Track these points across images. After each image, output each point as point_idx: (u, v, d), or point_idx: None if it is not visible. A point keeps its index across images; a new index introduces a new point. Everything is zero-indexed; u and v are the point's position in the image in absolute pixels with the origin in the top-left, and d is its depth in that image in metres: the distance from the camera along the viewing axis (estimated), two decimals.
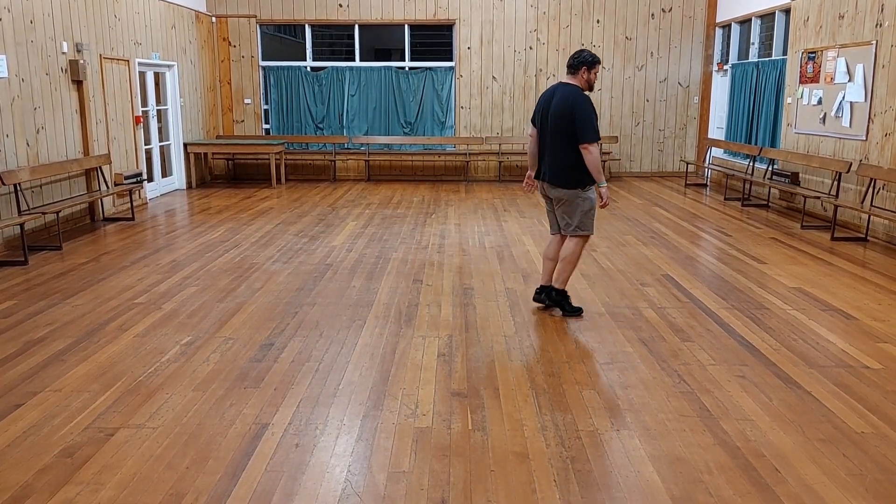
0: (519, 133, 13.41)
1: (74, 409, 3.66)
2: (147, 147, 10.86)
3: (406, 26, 13.24)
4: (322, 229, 8.51)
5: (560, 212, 5.13)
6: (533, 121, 5.21)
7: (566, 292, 5.22)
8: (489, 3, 13.02)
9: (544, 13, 13.04)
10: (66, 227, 8.34)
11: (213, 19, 13.10)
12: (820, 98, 9.18)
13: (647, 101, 13.35)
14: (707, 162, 12.72)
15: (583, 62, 4.96)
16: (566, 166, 4.95)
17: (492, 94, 13.31)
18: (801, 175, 9.69)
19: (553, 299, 5.23)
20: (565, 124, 4.87)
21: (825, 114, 9.06)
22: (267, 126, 13.68)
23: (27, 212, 7.37)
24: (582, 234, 5.10)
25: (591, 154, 4.83)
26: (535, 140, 5.20)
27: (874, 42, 8.02)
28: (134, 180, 9.80)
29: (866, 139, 8.17)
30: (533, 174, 5.32)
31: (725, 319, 5.12)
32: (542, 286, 5.35)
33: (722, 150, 12.53)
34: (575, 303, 5.33)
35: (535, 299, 5.37)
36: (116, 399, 3.78)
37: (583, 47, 5.10)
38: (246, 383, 3.99)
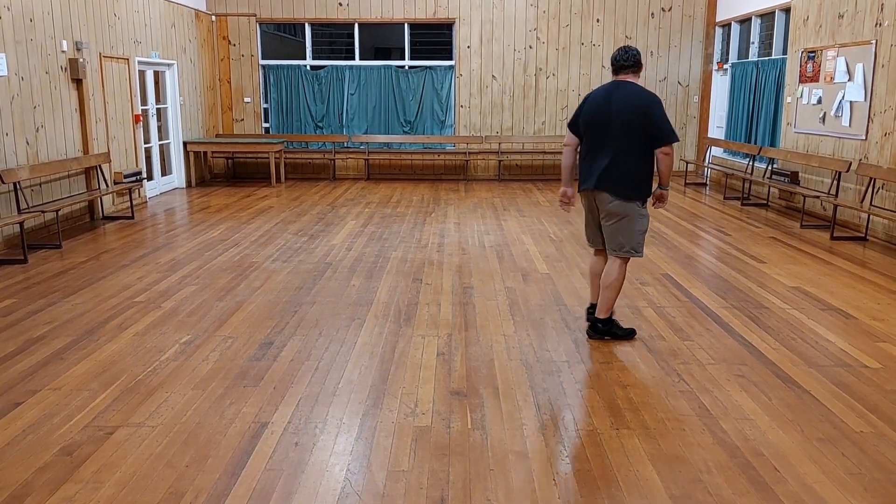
0: (518, 132, 13.41)
1: (74, 407, 3.66)
2: (147, 146, 10.86)
3: (406, 25, 13.23)
4: (322, 228, 8.51)
5: (613, 228, 4.50)
6: (572, 127, 4.61)
7: (612, 319, 4.68)
8: (489, 2, 13.00)
9: (544, 12, 13.03)
10: (65, 226, 8.33)
11: (213, 18, 13.09)
12: (820, 97, 9.18)
13: None
14: (707, 161, 12.72)
15: (640, 60, 4.48)
16: (636, 175, 4.42)
17: (491, 94, 13.30)
18: (800, 174, 9.69)
19: (601, 331, 4.64)
20: (637, 127, 4.32)
21: (825, 113, 9.06)
22: (266, 125, 13.67)
23: (27, 210, 7.37)
24: (632, 255, 4.53)
25: (669, 157, 4.37)
26: (572, 150, 4.65)
27: (874, 41, 8.02)
28: (133, 179, 9.80)
29: (866, 138, 8.17)
30: (570, 189, 4.75)
31: (725, 319, 5.12)
32: (592, 304, 4.80)
33: (721, 149, 12.52)
34: (611, 319, 4.73)
35: (588, 320, 4.80)
36: (116, 398, 3.78)
37: (628, 45, 4.46)
38: (245, 382, 3.99)
